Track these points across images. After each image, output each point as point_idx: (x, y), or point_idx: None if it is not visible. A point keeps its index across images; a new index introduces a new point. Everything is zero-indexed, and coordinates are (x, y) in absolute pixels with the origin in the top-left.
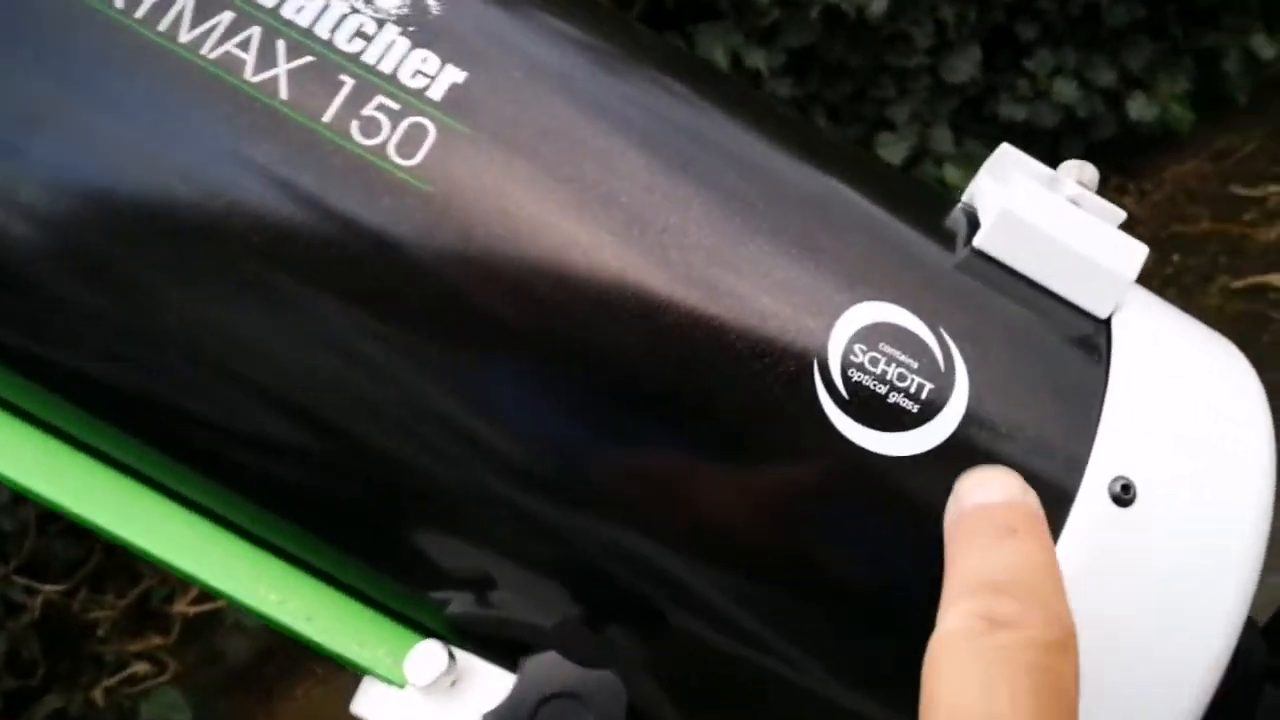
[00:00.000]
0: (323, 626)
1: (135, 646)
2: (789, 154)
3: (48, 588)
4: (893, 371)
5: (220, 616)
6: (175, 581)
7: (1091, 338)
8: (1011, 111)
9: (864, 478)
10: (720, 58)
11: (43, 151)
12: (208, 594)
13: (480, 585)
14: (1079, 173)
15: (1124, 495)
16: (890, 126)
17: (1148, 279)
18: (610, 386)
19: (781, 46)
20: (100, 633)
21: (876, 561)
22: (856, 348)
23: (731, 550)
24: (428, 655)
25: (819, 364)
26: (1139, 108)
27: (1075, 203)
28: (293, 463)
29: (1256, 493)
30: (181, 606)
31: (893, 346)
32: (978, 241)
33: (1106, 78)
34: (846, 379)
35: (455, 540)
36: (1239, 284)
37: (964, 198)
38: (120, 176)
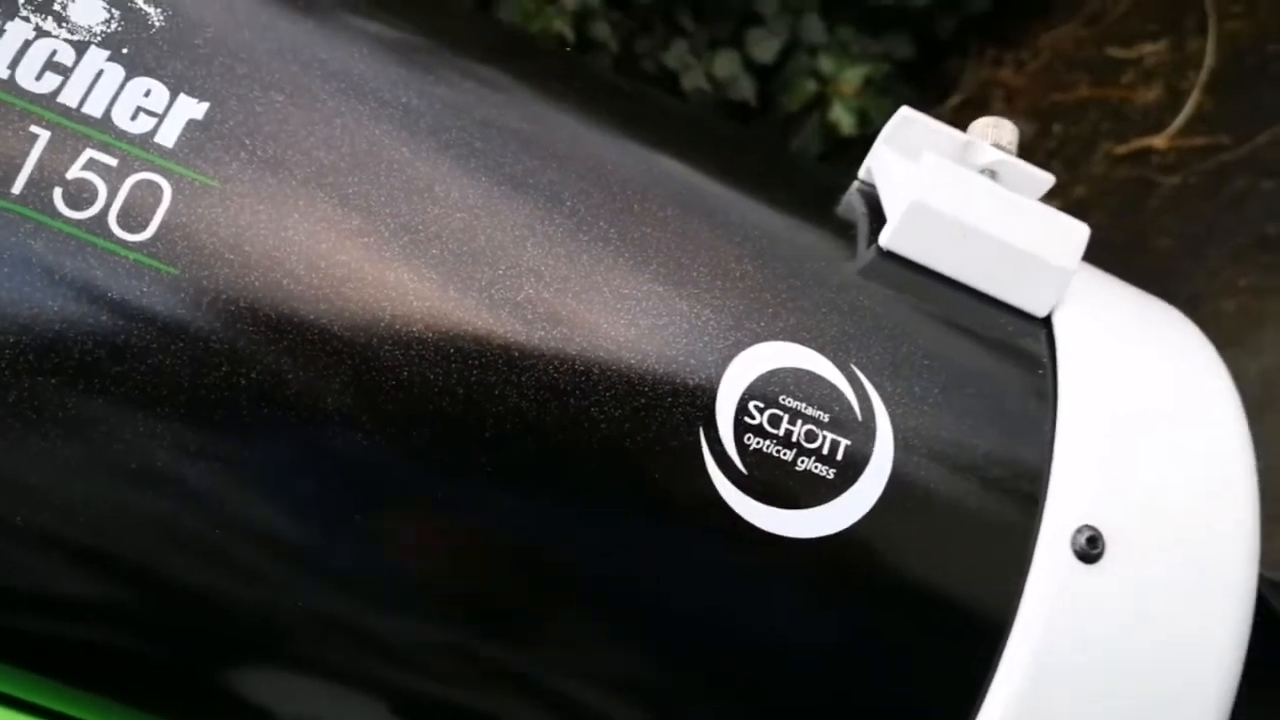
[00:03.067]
0: None
1: None
2: (639, 149)
3: None
4: (799, 430)
5: None
6: None
7: (1031, 346)
8: None
9: (778, 570)
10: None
11: None
12: None
13: None
14: (995, 133)
15: (1090, 550)
16: (759, 20)
17: (1030, 153)
18: (449, 480)
19: None
20: None
21: (802, 659)
22: (752, 406)
23: (628, 666)
24: None
25: (706, 433)
26: None
27: (993, 173)
28: (69, 613)
29: (1241, 515)
30: None
31: (796, 398)
32: (885, 240)
33: None
34: (743, 448)
35: (278, 673)
36: (1122, 149)
37: (860, 174)
38: None
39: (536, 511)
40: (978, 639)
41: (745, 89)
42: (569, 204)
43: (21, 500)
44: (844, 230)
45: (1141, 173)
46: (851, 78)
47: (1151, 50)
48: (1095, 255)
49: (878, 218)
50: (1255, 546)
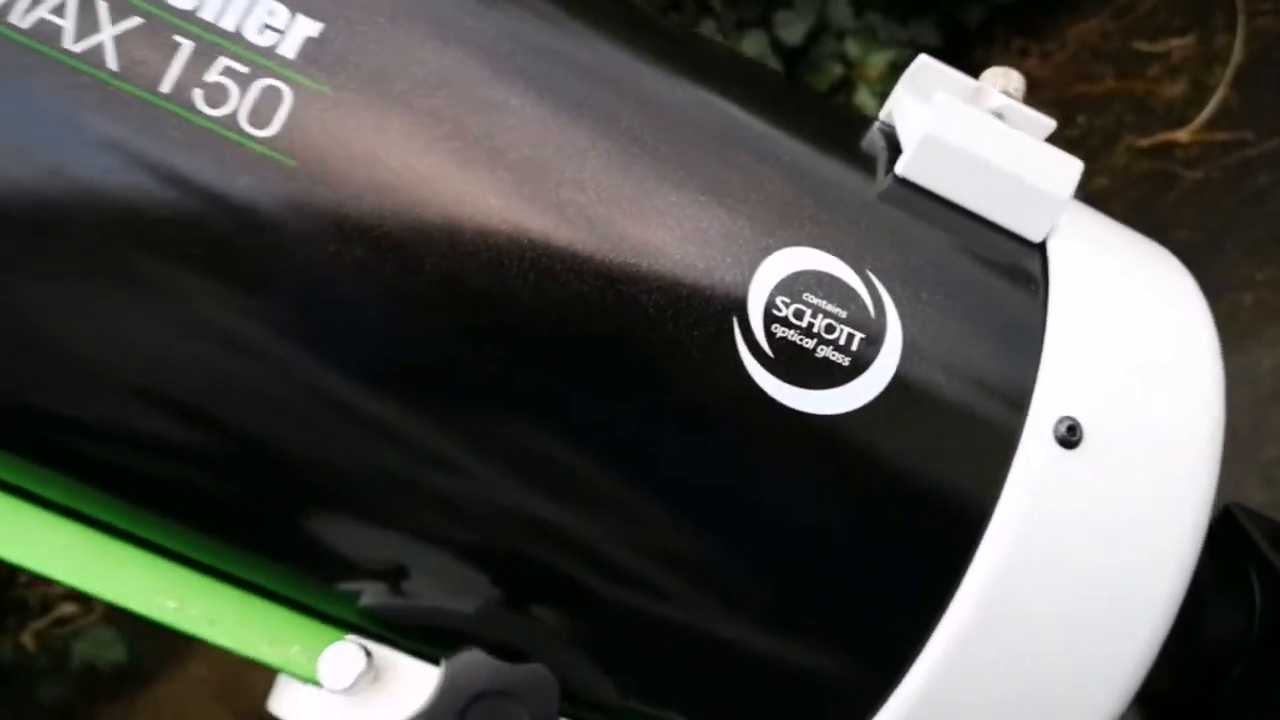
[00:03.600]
0: (228, 629)
1: (59, 588)
2: (688, 85)
3: None
4: (820, 323)
5: None
6: None
7: (1027, 265)
8: None
9: (794, 439)
10: None
11: None
12: None
13: (393, 575)
14: (1004, 81)
15: (1070, 437)
16: (788, 4)
17: (1053, 142)
18: (518, 358)
19: None
20: (21, 578)
21: (809, 523)
22: (779, 300)
23: (660, 521)
24: (343, 657)
25: (739, 321)
26: None
27: (1001, 116)
28: (175, 459)
29: (1207, 423)
30: None
31: (818, 296)
32: (900, 169)
33: None
34: (770, 335)
35: (359, 526)
36: (1145, 142)
37: (881, 115)
38: None
39: (593, 381)
40: (967, 511)
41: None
42: (624, 124)
43: (148, 361)
44: (866, 161)
45: (1164, 166)
46: (877, 62)
47: (1178, 45)
48: None
49: (895, 151)
50: (1217, 444)
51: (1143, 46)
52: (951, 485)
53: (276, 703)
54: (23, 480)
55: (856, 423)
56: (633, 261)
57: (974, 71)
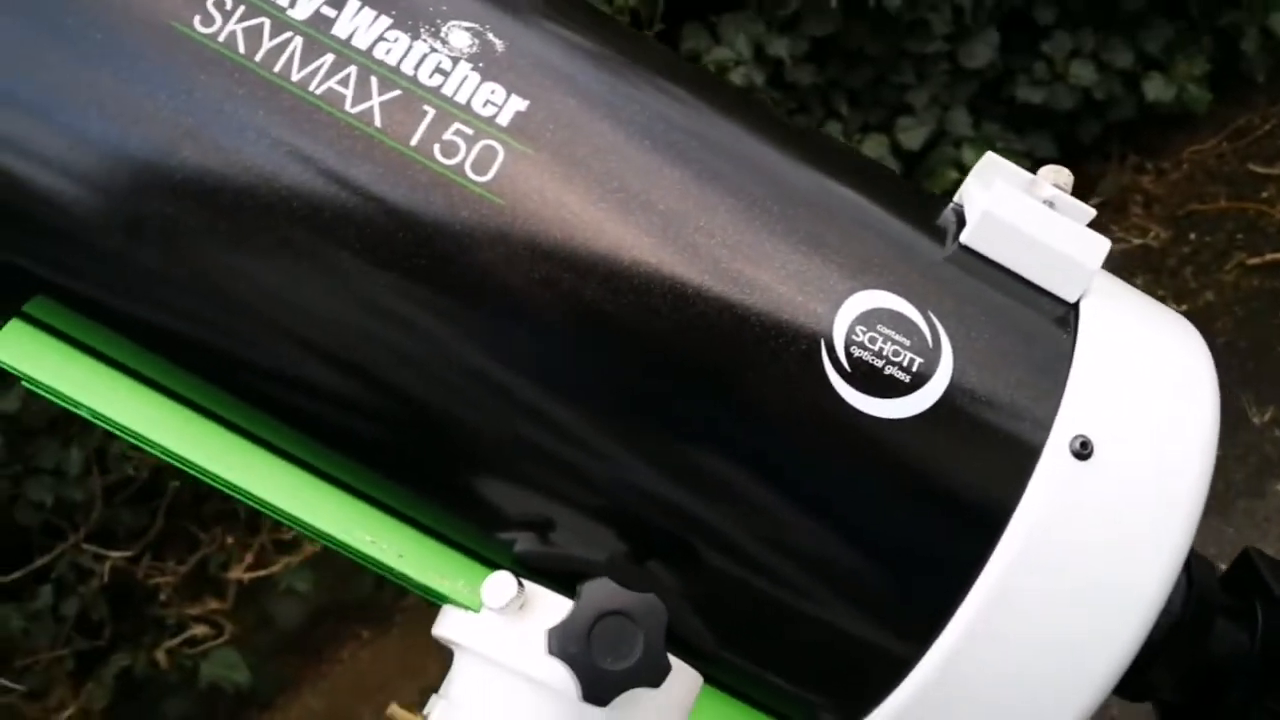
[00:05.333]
0: (411, 562)
1: (194, 610)
2: (802, 164)
3: (114, 554)
4: (888, 348)
5: (272, 582)
6: (231, 548)
7: (1061, 318)
8: (1029, 94)
9: (863, 436)
10: (743, 46)
11: (190, 167)
12: (261, 560)
13: (541, 528)
14: (1055, 176)
15: (1083, 451)
16: (910, 111)
17: (1163, 257)
18: (650, 362)
19: (803, 35)
20: (162, 597)
21: (871, 505)
22: (858, 328)
23: (752, 498)
24: (501, 583)
25: (825, 343)
26: (1156, 89)
27: (1050, 203)
28: (395, 432)
29: (1200, 450)
30: (237, 573)
31: (888, 327)
32: (964, 238)
33: (1124, 59)
34: (849, 355)
35: (521, 490)
36: (1255, 261)
37: (955, 200)
38: (251, 189)
39: (710, 386)
40: (997, 502)
41: None
42: (748, 190)
43: (383, 349)
44: (939, 232)
45: (1272, 284)
46: None
47: None
48: (1220, 358)
49: (963, 226)
50: (1207, 470)
51: (1257, 169)
52: (985, 481)
53: (439, 628)
54: (274, 437)
55: (912, 427)
56: (746, 292)
57: (1088, 186)
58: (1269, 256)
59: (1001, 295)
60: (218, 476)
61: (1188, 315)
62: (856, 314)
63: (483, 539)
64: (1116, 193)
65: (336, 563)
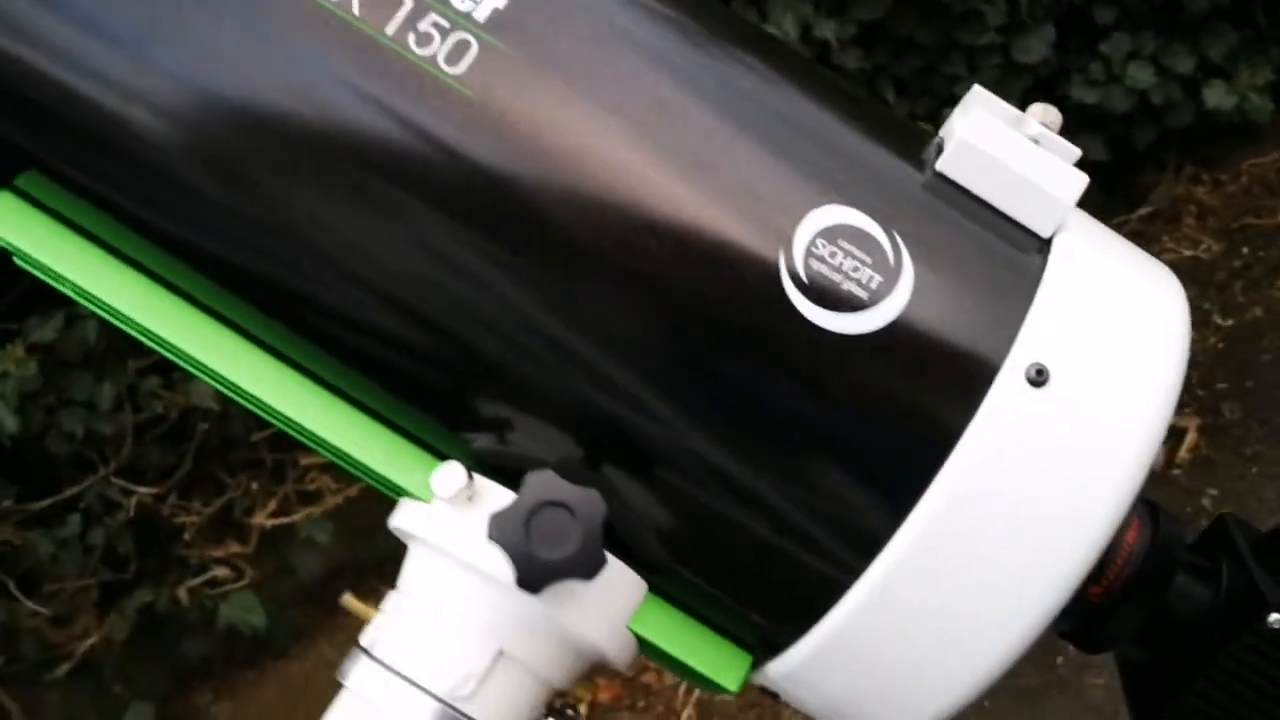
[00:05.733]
0: (369, 452)
1: (217, 552)
2: (783, 81)
3: (142, 490)
4: (848, 264)
5: (294, 532)
6: (256, 495)
7: (1031, 252)
8: (1083, 94)
9: (816, 351)
10: (790, 27)
11: (176, 64)
12: (284, 509)
13: (500, 427)
14: (1043, 114)
15: (1038, 378)
16: (958, 103)
17: (1213, 270)
18: (606, 259)
19: (852, 19)
20: (186, 537)
21: (821, 421)
22: (819, 241)
23: (700, 407)
24: (450, 472)
25: (785, 253)
26: (1217, 96)
27: (1036, 140)
28: (364, 332)
29: (1159, 393)
30: (259, 519)
31: (850, 243)
32: (939, 165)
33: (1185, 64)
34: (808, 267)
35: (483, 388)
36: None
37: (941, 132)
38: (231, 86)
39: (665, 290)
40: (948, 423)
41: None
42: (723, 101)
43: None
44: (919, 162)
45: None
46: None
47: None
48: (1265, 376)
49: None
50: (1165, 410)
51: None
52: (936, 403)
53: (394, 520)
54: (251, 324)
55: (866, 344)
56: (707, 196)
57: (1140, 194)
58: None
59: (972, 223)
60: (189, 355)
61: (1234, 330)
62: (820, 228)
63: (443, 436)
64: (1169, 203)
65: (357, 518)
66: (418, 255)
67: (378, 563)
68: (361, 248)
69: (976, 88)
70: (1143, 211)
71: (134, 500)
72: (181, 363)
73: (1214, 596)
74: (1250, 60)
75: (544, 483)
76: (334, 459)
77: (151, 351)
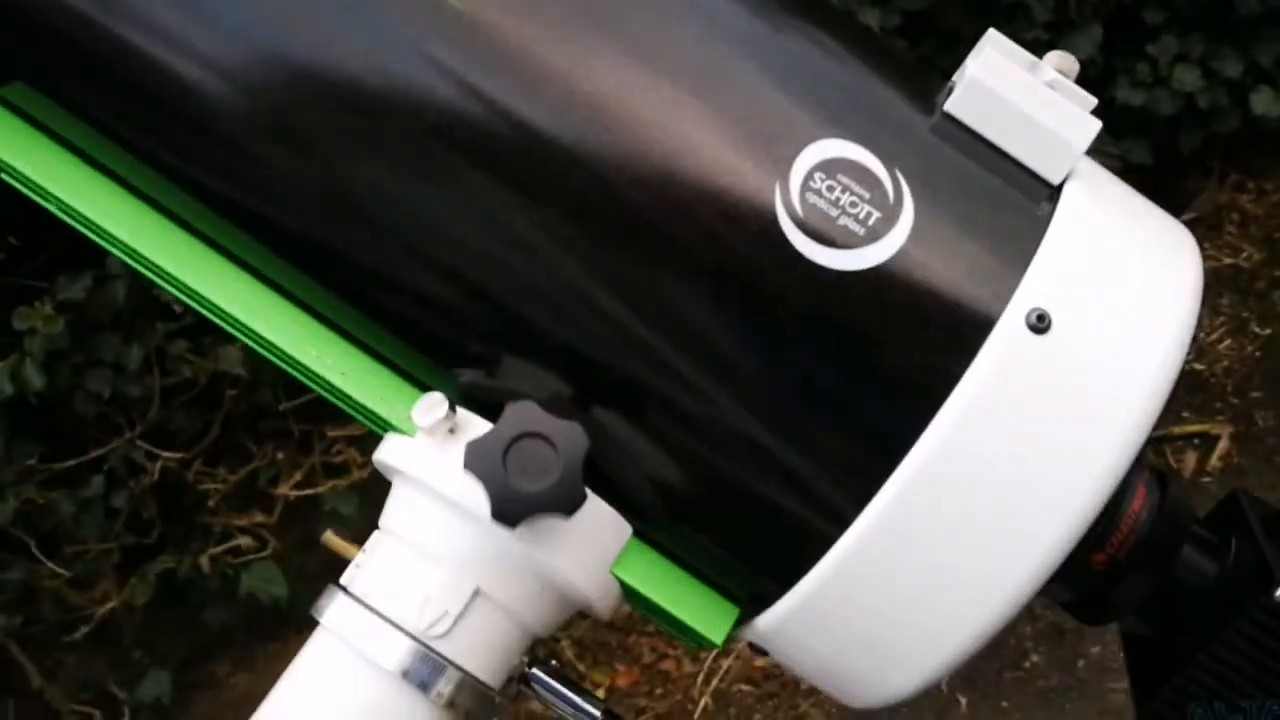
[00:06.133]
0: (353, 382)
1: (240, 521)
2: (794, 16)
3: (167, 455)
4: (845, 199)
5: (319, 504)
6: (281, 465)
7: (1039, 197)
8: (1129, 96)
9: (810, 286)
10: None
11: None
12: (310, 481)
13: (489, 362)
14: (1059, 61)
15: (1039, 325)
16: None
17: (1253, 280)
18: (598, 184)
19: (897, 8)
20: (210, 504)
21: (812, 360)
22: (816, 175)
23: (691, 339)
24: (432, 402)
25: (780, 185)
26: (1264, 102)
27: (1051, 87)
28: (359, 255)
29: (1165, 349)
30: (284, 489)
31: (848, 178)
32: (948, 105)
33: (1233, 68)
34: (804, 200)
35: (471, 320)
36: None
37: (955, 77)
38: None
39: (659, 217)
40: (946, 366)
41: None
42: (727, 29)
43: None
44: (928, 105)
45: None
46: None
47: None
48: None
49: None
50: (1170, 367)
51: None
52: (935, 345)
53: (378, 455)
54: (222, 236)
55: (861, 281)
56: (703, 123)
57: (1183, 200)
58: None
59: (978, 165)
60: (173, 276)
61: (1269, 338)
62: (818, 160)
63: (431, 370)
64: (1212, 209)
65: (383, 492)
66: (410, 179)
67: None
68: (353, 179)
69: (992, 31)
70: (1186, 217)
71: (159, 465)
72: (162, 281)
73: (1220, 570)
74: None
75: (524, 413)
76: (316, 387)
77: (172, 306)
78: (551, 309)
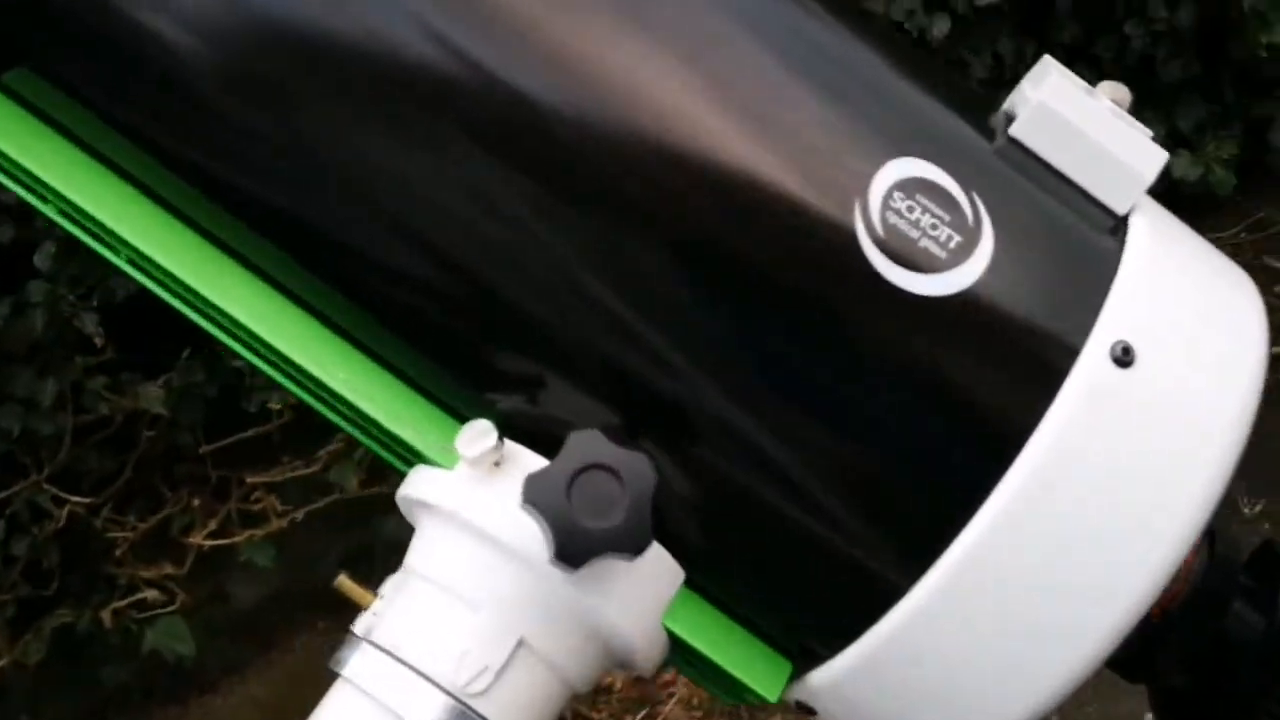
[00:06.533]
0: (384, 408)
1: (148, 573)
2: (855, 38)
3: (75, 499)
4: (925, 220)
5: (234, 554)
6: (195, 513)
7: (1108, 226)
8: None
9: (891, 310)
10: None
11: None
12: (226, 530)
13: (535, 386)
14: (1113, 91)
15: (1124, 357)
16: None
17: None
18: (673, 200)
19: None
20: (117, 553)
21: (888, 391)
22: (896, 194)
23: (758, 365)
24: (479, 430)
25: (860, 203)
26: (1183, 166)
27: (1116, 116)
28: (385, 273)
29: (1247, 378)
30: (198, 538)
31: (927, 199)
32: (1014, 130)
33: (1156, 132)
34: (884, 220)
35: (521, 340)
36: None
37: (1005, 106)
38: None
39: (735, 236)
40: (1029, 400)
41: None
42: (797, 51)
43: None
44: (988, 129)
45: (1273, 377)
46: None
47: None
48: None
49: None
50: (1250, 402)
51: (1273, 262)
52: (1019, 376)
53: (406, 489)
54: (242, 244)
55: (946, 308)
56: (782, 141)
57: None
58: (1274, 349)
59: (1047, 193)
60: (187, 287)
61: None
62: (896, 179)
63: (466, 394)
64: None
65: (302, 544)
66: (459, 193)
67: (319, 593)
68: (399, 176)
69: (1047, 57)
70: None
71: (65, 510)
72: (173, 297)
73: (1269, 624)
74: (1216, 134)
75: (590, 443)
76: (334, 416)
77: (93, 339)
78: (607, 324)
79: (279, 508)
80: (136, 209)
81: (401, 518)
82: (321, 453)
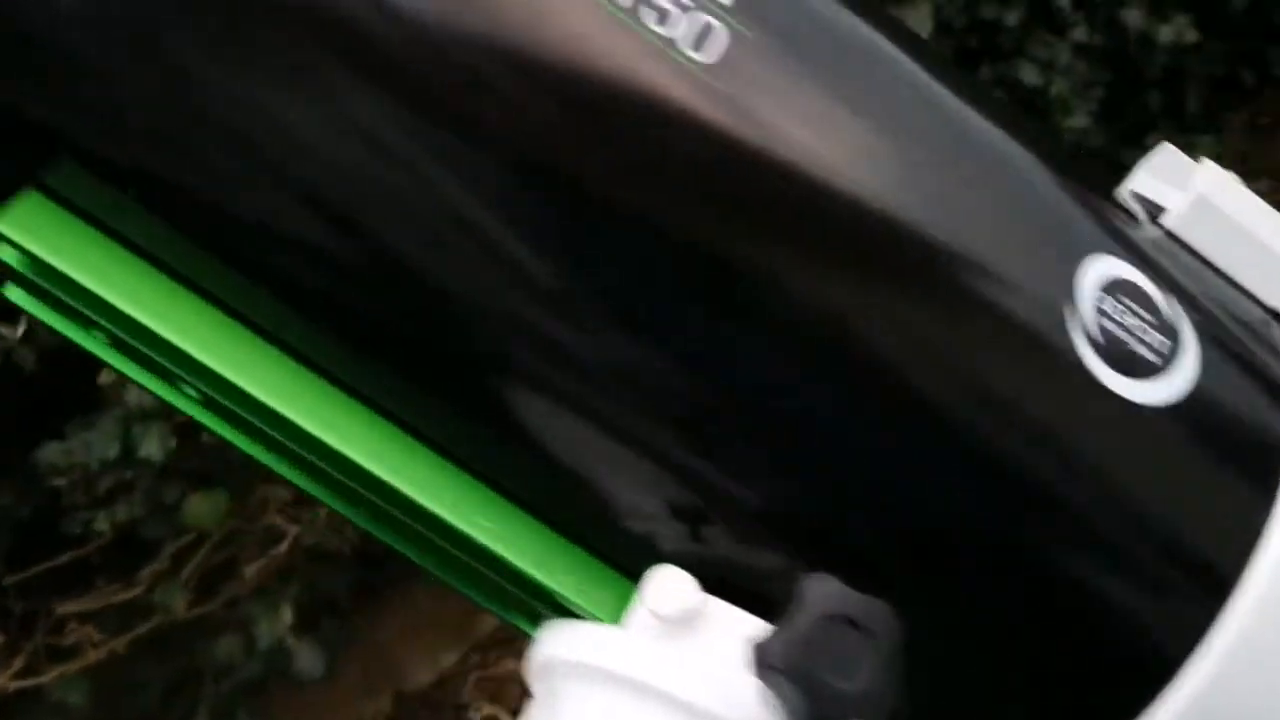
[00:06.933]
0: (535, 559)
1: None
2: (1018, 139)
3: None
4: (1133, 322)
5: (43, 695)
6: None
7: (1270, 326)
8: None
9: (1117, 422)
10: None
11: None
12: (33, 667)
13: (721, 516)
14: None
15: None
16: None
17: None
18: (873, 309)
19: None
20: None
21: (1112, 511)
22: (1101, 292)
23: (973, 489)
24: (675, 580)
25: (1069, 305)
26: None
27: None
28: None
29: None
30: (2, 680)
31: (1133, 300)
32: (1170, 223)
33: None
34: (1098, 321)
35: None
36: None
37: (1119, 193)
38: None
39: (941, 341)
40: (1250, 519)
41: None
42: (974, 145)
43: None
44: (1130, 220)
45: None
46: None
47: None
48: None
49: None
50: None
51: None
52: (1241, 482)
53: (550, 646)
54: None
55: (1169, 417)
56: (983, 237)
57: None
58: None
59: (1223, 294)
60: (281, 414)
61: None
62: (1100, 279)
63: (620, 531)
64: None
65: (119, 674)
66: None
67: None
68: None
69: (1167, 145)
70: None
71: None
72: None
73: None
74: None
75: (829, 591)
76: (450, 576)
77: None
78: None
79: (95, 637)
80: (220, 333)
81: (233, 640)
82: (145, 572)
